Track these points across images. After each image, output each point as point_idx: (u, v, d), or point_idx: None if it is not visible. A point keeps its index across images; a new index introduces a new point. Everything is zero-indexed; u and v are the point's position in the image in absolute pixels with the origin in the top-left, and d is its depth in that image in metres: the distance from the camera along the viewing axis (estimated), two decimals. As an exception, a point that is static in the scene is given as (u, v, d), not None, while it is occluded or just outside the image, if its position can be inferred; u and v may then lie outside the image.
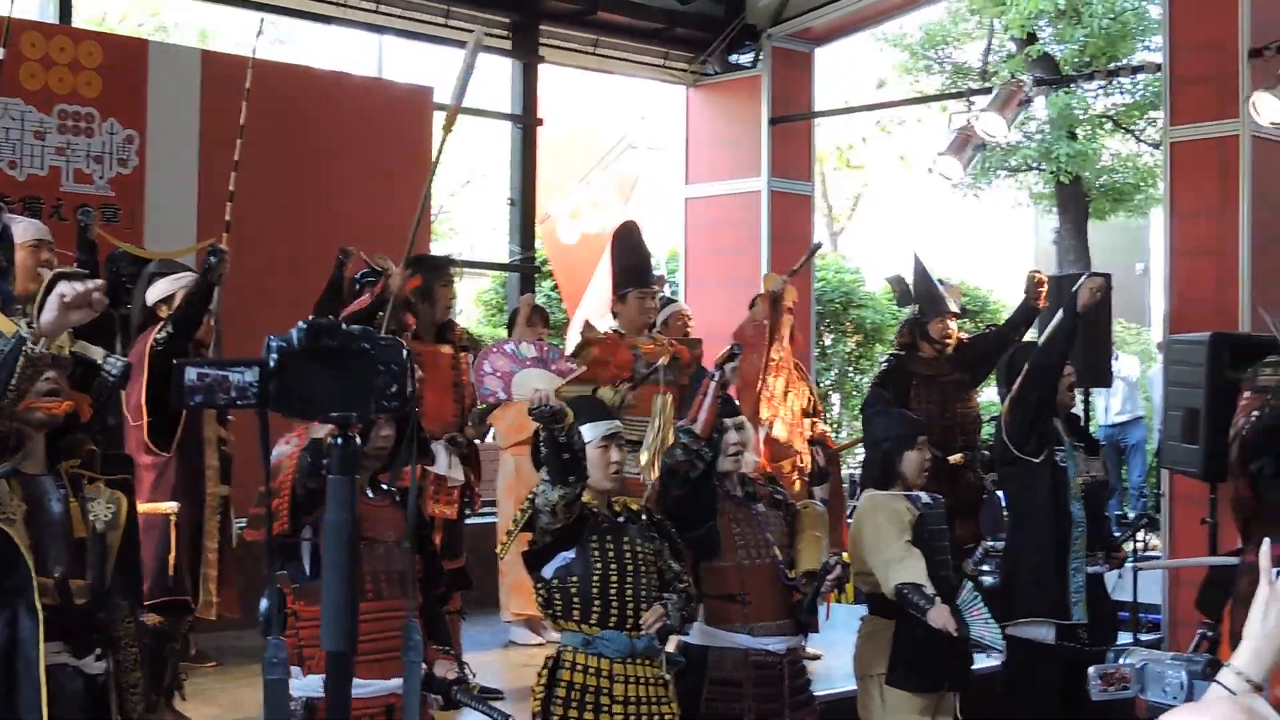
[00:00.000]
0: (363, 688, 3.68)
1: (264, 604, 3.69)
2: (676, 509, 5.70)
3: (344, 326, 2.53)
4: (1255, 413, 6.77)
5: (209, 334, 6.93)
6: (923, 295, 8.86)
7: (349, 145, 10.34)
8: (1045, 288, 8.38)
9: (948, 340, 8.71)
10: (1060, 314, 7.12)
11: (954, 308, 8.80)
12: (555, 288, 14.82)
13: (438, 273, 7.48)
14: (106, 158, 8.99)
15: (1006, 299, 19.49)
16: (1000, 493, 9.11)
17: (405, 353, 2.57)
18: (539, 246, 12.85)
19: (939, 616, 6.05)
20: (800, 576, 5.86)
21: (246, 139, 7.41)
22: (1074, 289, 7.20)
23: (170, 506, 6.55)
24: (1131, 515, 13.21)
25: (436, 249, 14.64)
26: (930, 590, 6.13)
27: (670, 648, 5.73)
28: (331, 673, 2.58)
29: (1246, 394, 6.98)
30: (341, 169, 10.17)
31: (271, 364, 2.47)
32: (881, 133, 23.95)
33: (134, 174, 9.09)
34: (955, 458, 8.35)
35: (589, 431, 5.34)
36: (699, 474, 5.70)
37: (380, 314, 7.13)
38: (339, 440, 2.53)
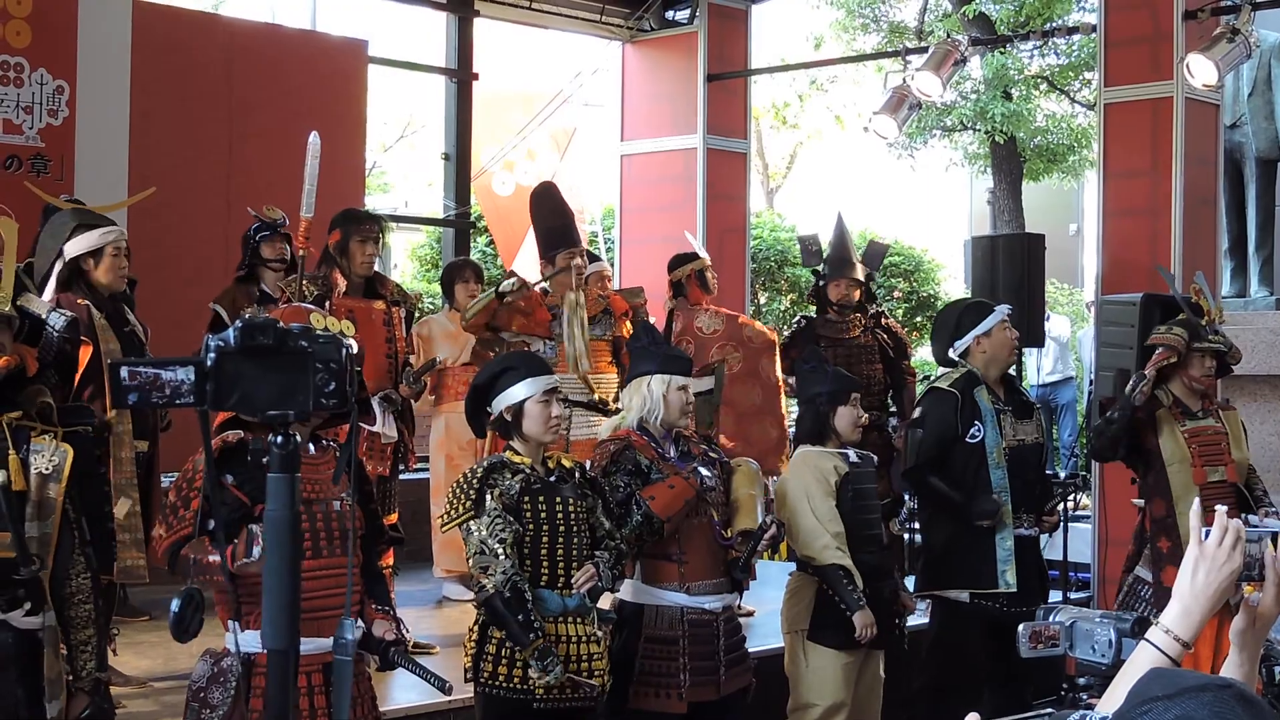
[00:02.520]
0: (302, 645, 3.64)
1: (175, 604, 3.66)
2: None
3: (280, 325, 2.50)
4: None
5: None
6: (832, 257, 8.91)
7: (282, 98, 10.24)
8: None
9: (846, 304, 8.76)
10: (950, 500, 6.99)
11: (859, 275, 8.82)
12: (491, 243, 14.75)
13: (354, 227, 7.43)
14: (36, 108, 8.86)
15: (940, 259, 19.57)
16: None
17: (344, 350, 2.53)
18: (474, 202, 12.79)
19: (863, 620, 6.29)
20: (736, 535, 5.88)
21: (177, 92, 7.31)
22: (980, 510, 6.88)
23: None
24: (1063, 475, 13.31)
25: (371, 204, 14.56)
26: (859, 583, 6.33)
27: (605, 604, 5.74)
28: (273, 670, 2.55)
29: (1158, 349, 7.05)
30: (274, 122, 10.07)
31: (209, 363, 2.43)
32: (817, 91, 23.96)
33: (64, 124, 8.96)
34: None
35: (529, 386, 5.36)
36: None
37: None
38: (278, 439, 2.51)
